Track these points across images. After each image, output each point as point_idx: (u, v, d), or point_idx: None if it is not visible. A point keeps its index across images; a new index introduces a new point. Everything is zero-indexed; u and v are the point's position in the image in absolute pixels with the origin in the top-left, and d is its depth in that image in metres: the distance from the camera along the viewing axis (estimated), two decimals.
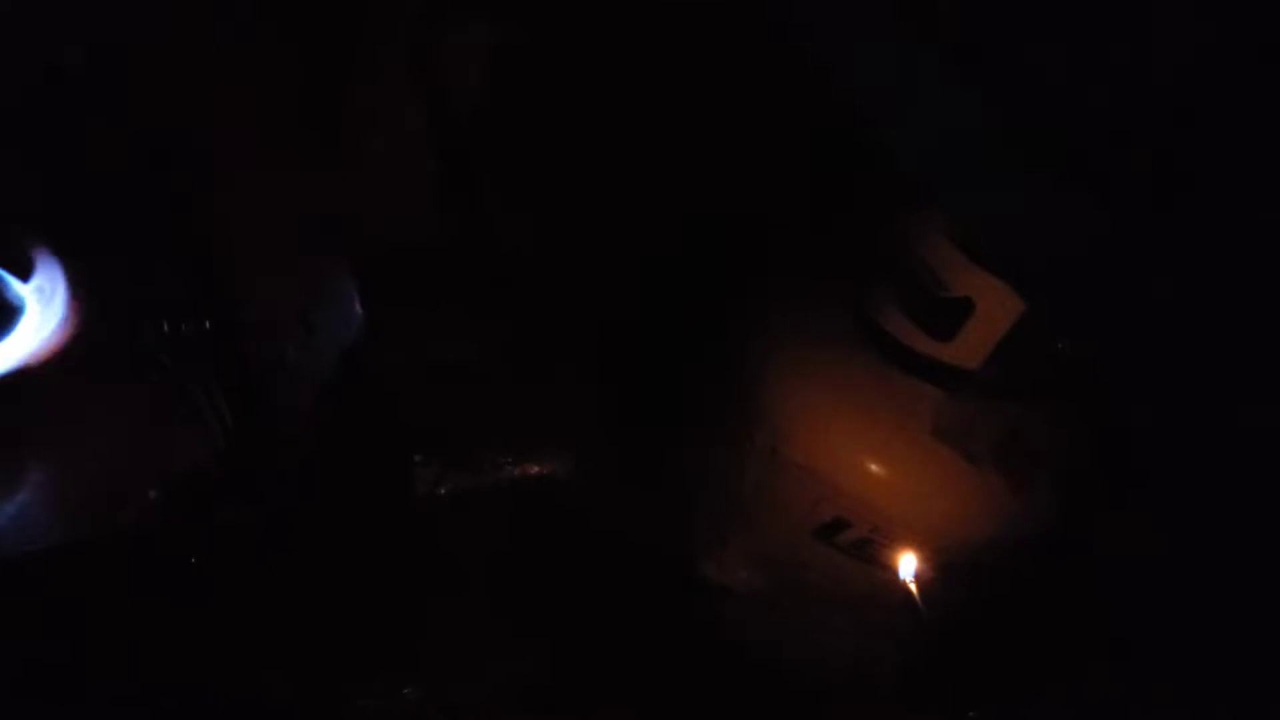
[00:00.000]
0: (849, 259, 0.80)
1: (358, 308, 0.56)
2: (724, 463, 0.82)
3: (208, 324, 0.67)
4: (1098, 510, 0.72)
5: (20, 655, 0.55)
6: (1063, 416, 0.76)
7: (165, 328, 0.67)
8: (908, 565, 0.72)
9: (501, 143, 0.69)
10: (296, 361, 0.62)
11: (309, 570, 0.64)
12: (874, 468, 0.76)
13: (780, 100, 0.78)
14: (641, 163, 0.80)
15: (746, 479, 0.81)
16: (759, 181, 0.82)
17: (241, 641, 0.61)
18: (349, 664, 0.65)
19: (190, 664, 0.59)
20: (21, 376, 0.60)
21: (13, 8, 0.64)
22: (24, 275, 0.62)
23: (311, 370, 0.61)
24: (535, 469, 0.78)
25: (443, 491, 0.75)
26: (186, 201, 0.70)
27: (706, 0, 0.71)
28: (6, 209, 0.66)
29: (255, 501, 0.61)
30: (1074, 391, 0.74)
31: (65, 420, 0.63)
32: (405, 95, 0.68)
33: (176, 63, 0.70)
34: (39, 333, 0.61)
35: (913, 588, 0.71)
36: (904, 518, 0.76)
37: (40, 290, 0.62)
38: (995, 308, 0.72)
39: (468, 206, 0.68)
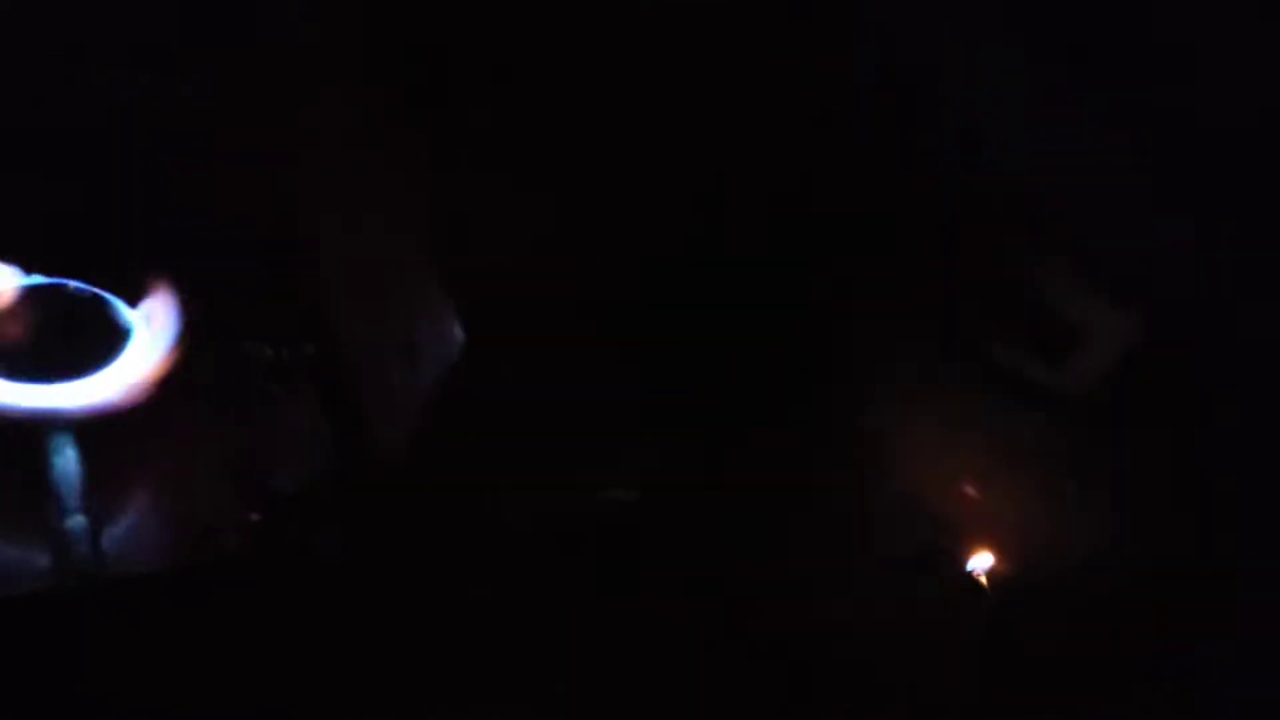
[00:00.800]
0: (956, 279, 0.78)
1: (458, 330, 0.56)
2: (822, 488, 0.80)
3: (310, 348, 0.68)
4: (1209, 542, 0.70)
5: (121, 677, 0.56)
6: (1177, 448, 0.73)
7: (269, 352, 0.67)
8: (981, 562, 0.70)
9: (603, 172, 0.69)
10: (400, 386, 0.62)
11: (397, 595, 0.63)
12: (981, 496, 0.74)
13: (883, 113, 0.77)
14: (740, 181, 0.79)
15: (846, 505, 0.79)
16: (857, 196, 0.81)
17: (328, 668, 0.61)
18: (434, 692, 0.64)
19: (284, 690, 0.59)
20: (128, 400, 0.61)
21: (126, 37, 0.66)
22: (132, 300, 0.64)
23: (415, 395, 0.61)
24: (626, 492, 0.77)
25: (531, 518, 0.75)
26: (288, 226, 0.71)
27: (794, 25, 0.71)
28: (114, 234, 0.67)
29: (354, 527, 0.61)
30: (1187, 422, 0.72)
31: (169, 444, 0.64)
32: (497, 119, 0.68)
33: (274, 89, 0.72)
34: (146, 357, 0.62)
35: (983, 581, 0.69)
36: (1010, 548, 0.73)
37: (148, 315, 0.64)
38: (1109, 336, 0.70)
39: (565, 232, 0.67)
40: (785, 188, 0.81)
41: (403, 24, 0.72)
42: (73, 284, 0.63)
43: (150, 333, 0.63)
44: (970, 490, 0.71)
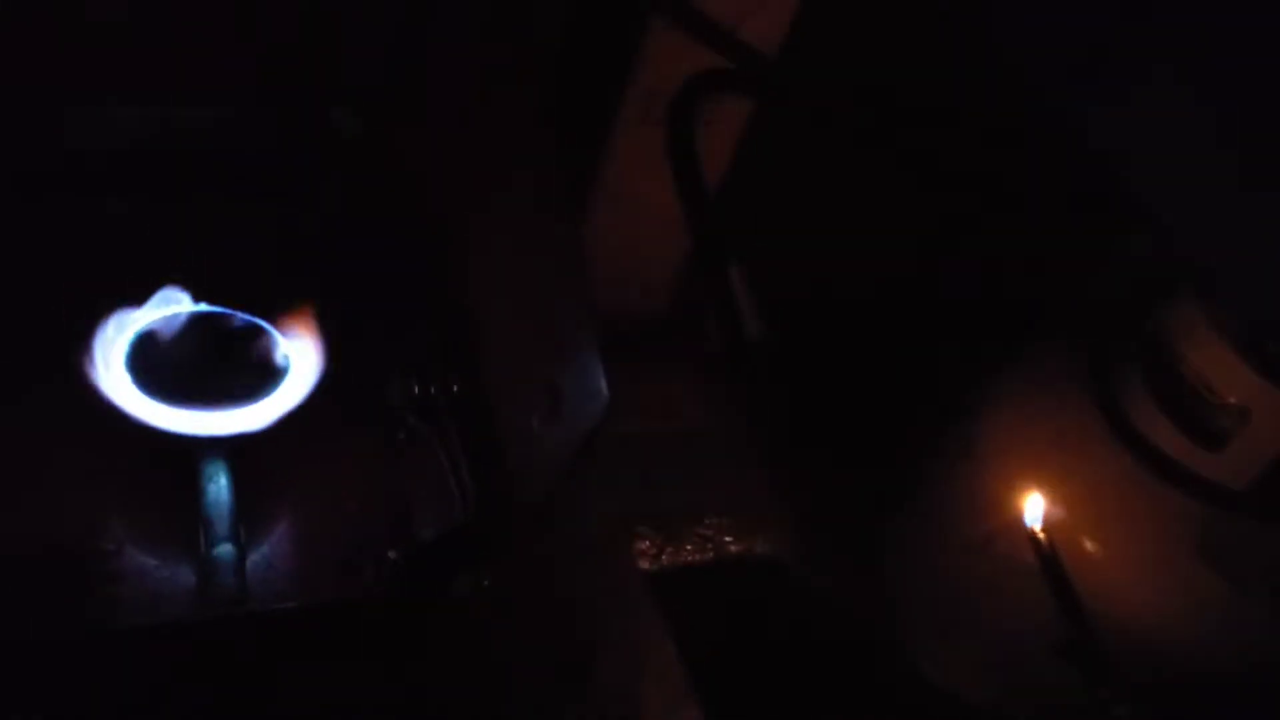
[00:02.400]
0: (1105, 347, 0.74)
1: (603, 383, 0.56)
2: (955, 559, 0.78)
3: (455, 387, 0.68)
4: None
5: (257, 707, 0.57)
6: None
7: (414, 388, 0.68)
8: (1034, 508, 0.66)
9: (750, 222, 0.68)
10: (540, 432, 0.62)
11: (528, 637, 0.63)
12: (1128, 583, 0.70)
13: (1029, 153, 0.74)
14: (885, 239, 0.78)
15: (979, 580, 0.76)
16: (999, 247, 0.78)
17: (457, 706, 0.61)
18: None
19: None
20: (280, 431, 0.63)
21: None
22: (289, 333, 0.65)
23: (554, 441, 0.60)
24: (754, 547, 0.76)
25: (660, 567, 0.74)
26: (439, 264, 0.72)
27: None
28: (275, 266, 0.69)
29: (489, 570, 0.61)
30: None
31: (315, 477, 0.65)
32: (657, 172, 0.68)
33: (432, 129, 0.73)
34: (299, 389, 0.64)
35: (1040, 536, 0.65)
36: (1156, 640, 0.70)
37: (303, 348, 0.65)
38: (1274, 420, 0.66)
39: (715, 286, 0.67)
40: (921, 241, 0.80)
41: (561, 65, 0.73)
42: (235, 313, 0.66)
43: (305, 365, 0.64)
44: (1121, 578, 0.68)
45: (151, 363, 0.62)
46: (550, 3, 0.72)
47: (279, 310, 0.66)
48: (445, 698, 0.58)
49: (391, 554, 0.63)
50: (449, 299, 0.70)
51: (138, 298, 0.64)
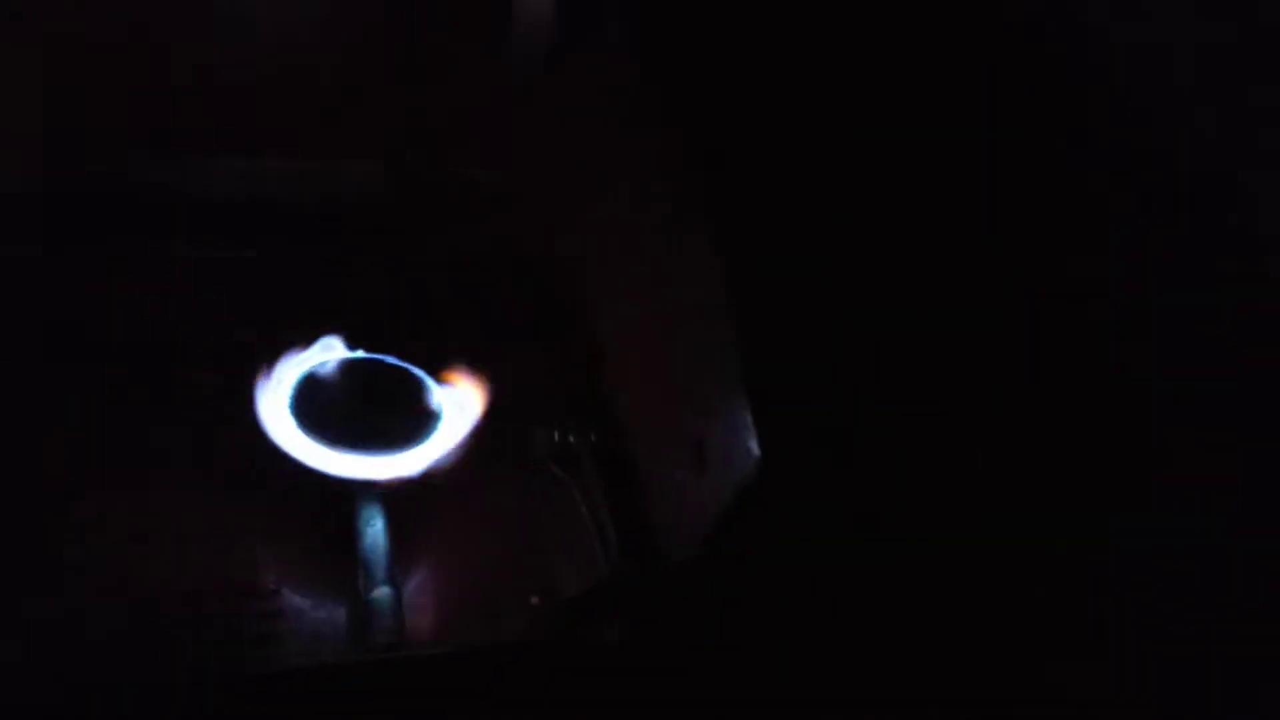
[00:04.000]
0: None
1: (753, 443, 0.56)
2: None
3: (593, 436, 0.69)
4: None
5: None
6: None
7: (554, 437, 0.69)
8: None
9: None
10: (684, 485, 0.62)
11: (672, 691, 0.63)
12: None
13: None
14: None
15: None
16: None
17: None
18: None
19: None
20: (433, 477, 0.65)
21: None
22: (441, 381, 0.67)
23: (699, 496, 0.61)
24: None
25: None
26: (578, 313, 0.73)
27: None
28: (425, 315, 0.71)
29: (631, 624, 0.61)
30: None
31: (460, 523, 0.67)
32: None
33: (571, 177, 0.74)
34: (451, 436, 0.66)
35: None
36: None
37: (455, 396, 0.67)
38: None
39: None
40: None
41: (701, 122, 0.73)
42: (391, 360, 0.68)
43: (457, 413, 0.66)
44: None
45: (312, 408, 0.64)
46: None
47: (432, 358, 0.68)
48: None
49: (534, 600, 0.64)
50: (588, 348, 0.71)
51: (299, 346, 0.66)
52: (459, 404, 0.66)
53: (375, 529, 0.62)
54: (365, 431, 0.64)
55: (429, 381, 0.68)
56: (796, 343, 0.63)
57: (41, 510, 0.61)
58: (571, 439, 0.68)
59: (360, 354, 0.68)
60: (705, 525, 0.60)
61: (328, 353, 0.67)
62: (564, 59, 0.72)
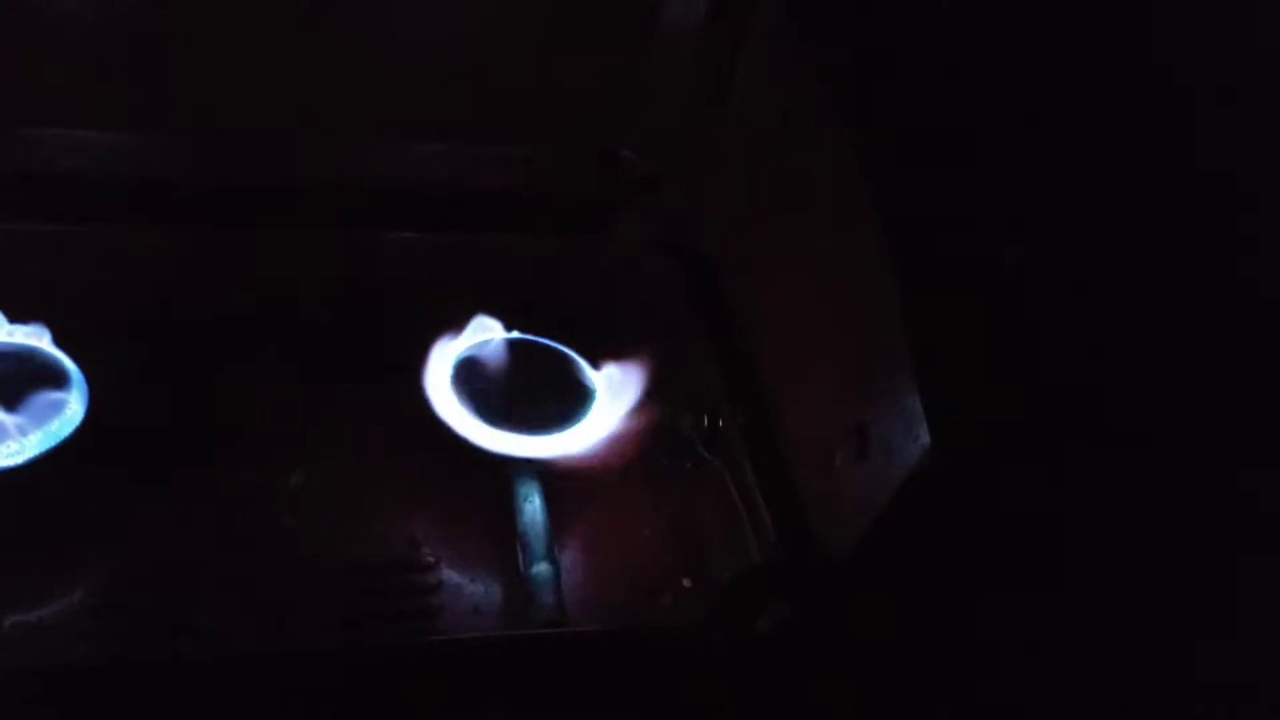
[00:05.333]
0: None
1: (924, 428, 0.54)
2: None
3: (743, 420, 0.69)
4: None
5: None
6: None
7: (704, 420, 0.69)
8: None
9: None
10: (843, 473, 0.61)
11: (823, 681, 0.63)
12: None
13: None
14: None
15: None
16: None
17: None
18: None
19: None
20: (589, 457, 0.65)
21: None
22: (598, 364, 0.68)
23: (863, 484, 0.60)
24: None
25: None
26: (732, 297, 0.73)
27: None
28: (582, 299, 0.72)
29: (785, 613, 0.61)
30: None
31: (613, 503, 0.67)
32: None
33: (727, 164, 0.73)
34: (607, 418, 0.66)
35: None
36: None
37: (610, 378, 0.67)
38: None
39: None
40: None
41: (871, 112, 0.72)
42: (548, 343, 0.69)
43: (611, 395, 0.67)
44: None
45: (473, 387, 0.65)
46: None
47: (589, 343, 0.69)
48: None
49: (686, 583, 0.64)
50: (743, 335, 0.71)
51: (459, 326, 0.68)
52: (614, 387, 0.67)
53: (534, 505, 0.62)
54: (524, 410, 0.65)
55: (585, 365, 0.68)
56: (966, 333, 0.62)
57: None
58: (719, 422, 0.68)
59: (518, 335, 0.68)
60: (867, 514, 0.59)
61: (485, 333, 0.68)
62: (730, 53, 0.72)
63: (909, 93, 0.65)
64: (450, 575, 0.63)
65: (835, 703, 0.60)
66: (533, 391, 0.66)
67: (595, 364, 0.69)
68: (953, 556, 0.59)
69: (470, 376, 0.66)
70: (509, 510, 0.63)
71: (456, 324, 0.68)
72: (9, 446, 0.57)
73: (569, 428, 0.65)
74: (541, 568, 0.60)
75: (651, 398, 0.67)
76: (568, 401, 0.66)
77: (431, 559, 0.63)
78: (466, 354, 0.67)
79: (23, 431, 0.57)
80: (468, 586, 0.62)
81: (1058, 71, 0.66)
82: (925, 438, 0.55)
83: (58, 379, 0.60)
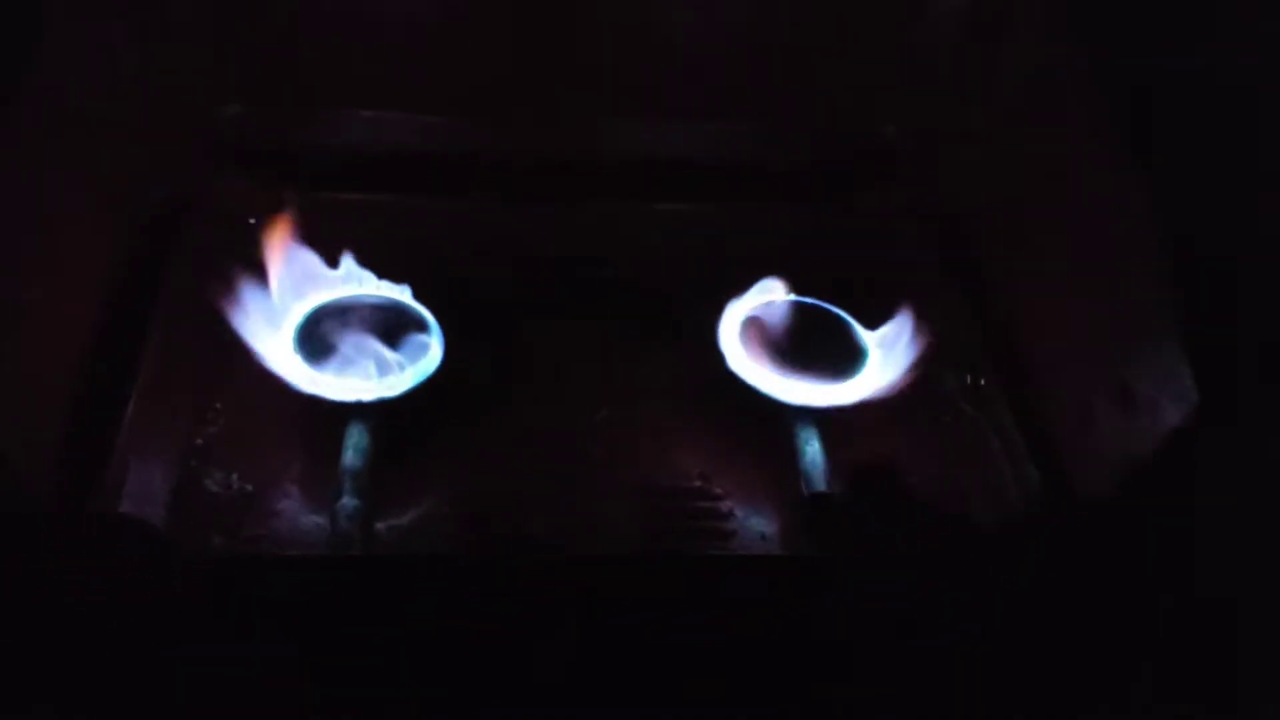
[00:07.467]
0: None
1: (1191, 384, 0.58)
2: None
3: (1003, 377, 0.74)
4: None
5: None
6: None
7: (967, 378, 0.75)
8: None
9: None
10: (1106, 429, 0.65)
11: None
12: None
13: None
14: None
15: None
16: None
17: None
18: None
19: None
20: (859, 409, 0.72)
21: None
22: (870, 325, 0.75)
23: (1126, 441, 0.64)
24: None
25: None
26: (991, 259, 0.78)
27: None
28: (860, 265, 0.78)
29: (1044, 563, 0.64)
30: None
31: (882, 452, 0.74)
32: None
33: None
34: (875, 376, 0.73)
35: None
36: None
37: (883, 338, 0.74)
38: None
39: None
40: None
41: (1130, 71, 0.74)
42: (825, 305, 0.77)
43: (884, 353, 0.74)
44: None
45: (757, 341, 0.74)
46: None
47: (862, 304, 0.76)
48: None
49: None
50: (1006, 297, 0.76)
51: (747, 288, 0.76)
52: (887, 346, 0.74)
53: (813, 448, 0.70)
54: (803, 364, 0.73)
55: (856, 326, 0.76)
56: (1233, 295, 0.64)
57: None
58: (980, 380, 0.73)
59: (798, 298, 0.77)
60: (1128, 468, 0.63)
61: (769, 294, 0.76)
62: (994, 28, 0.76)
63: (1166, 49, 0.67)
64: (737, 505, 0.71)
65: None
66: (812, 347, 0.74)
67: (867, 325, 0.76)
68: (1216, 518, 0.62)
69: (757, 333, 0.75)
70: (789, 452, 0.71)
71: (746, 286, 0.76)
72: (392, 380, 0.69)
73: (843, 381, 0.73)
74: (825, 499, 0.68)
75: (919, 356, 0.73)
76: (844, 358, 0.74)
77: (720, 491, 0.72)
78: (753, 313, 0.76)
79: (401, 368, 0.70)
80: (754, 515, 0.71)
81: None
82: (1194, 396, 0.58)
83: (422, 327, 0.73)
